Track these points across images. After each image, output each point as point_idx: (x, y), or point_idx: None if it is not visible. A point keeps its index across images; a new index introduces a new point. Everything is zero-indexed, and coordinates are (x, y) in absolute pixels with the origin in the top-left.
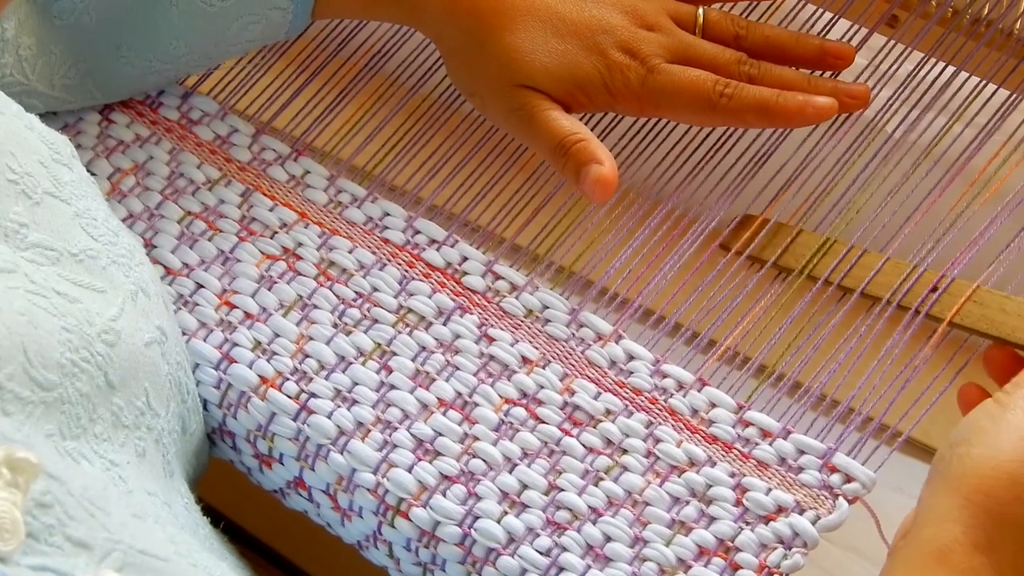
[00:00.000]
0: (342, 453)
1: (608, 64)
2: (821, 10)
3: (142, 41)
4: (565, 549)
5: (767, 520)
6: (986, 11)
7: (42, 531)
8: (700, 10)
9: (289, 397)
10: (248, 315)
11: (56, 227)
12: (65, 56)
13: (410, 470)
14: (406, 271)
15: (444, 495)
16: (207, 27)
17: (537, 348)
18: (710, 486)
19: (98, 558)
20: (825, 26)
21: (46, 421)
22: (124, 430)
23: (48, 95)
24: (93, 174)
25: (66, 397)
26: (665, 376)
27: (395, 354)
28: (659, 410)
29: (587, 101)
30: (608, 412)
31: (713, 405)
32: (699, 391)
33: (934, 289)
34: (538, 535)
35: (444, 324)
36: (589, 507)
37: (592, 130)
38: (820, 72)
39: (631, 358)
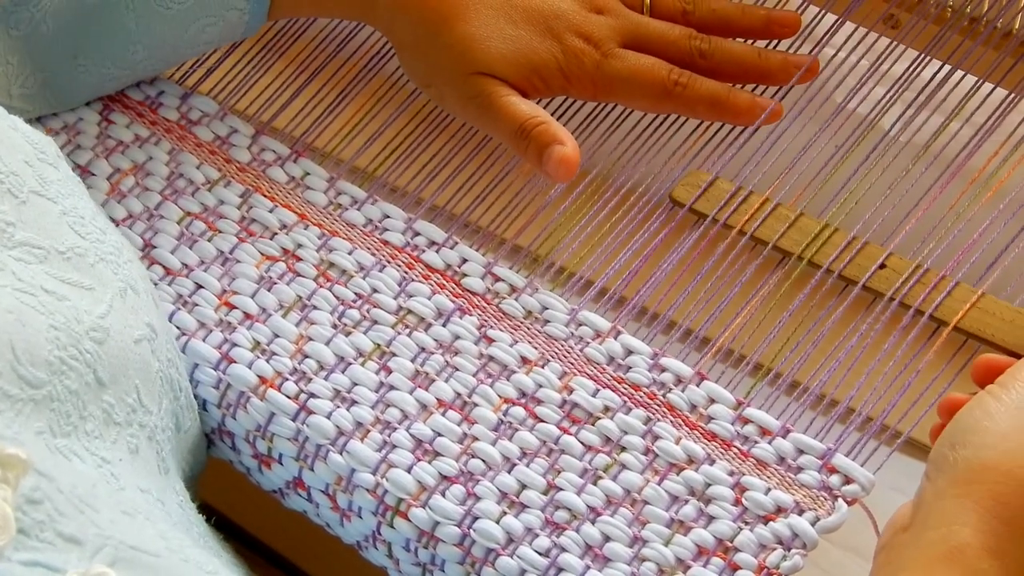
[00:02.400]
0: (341, 453)
1: (563, 48)
2: (823, 11)
3: (100, 49)
4: (564, 549)
5: (766, 520)
6: (985, 8)
7: (33, 527)
8: None
9: (288, 397)
10: (247, 315)
11: (43, 225)
12: (22, 66)
13: (409, 470)
14: (406, 272)
15: (443, 495)
16: (165, 31)
17: (536, 348)
18: (709, 485)
19: (89, 553)
20: (828, 29)
21: (35, 419)
22: (116, 427)
23: (6, 105)
24: (92, 174)
25: (55, 395)
26: (663, 370)
27: (394, 355)
28: (657, 405)
29: (543, 86)
30: (607, 409)
31: (712, 401)
32: (698, 385)
33: (935, 289)
34: (537, 535)
35: (443, 325)
36: (588, 506)
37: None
38: (769, 43)
39: (629, 353)
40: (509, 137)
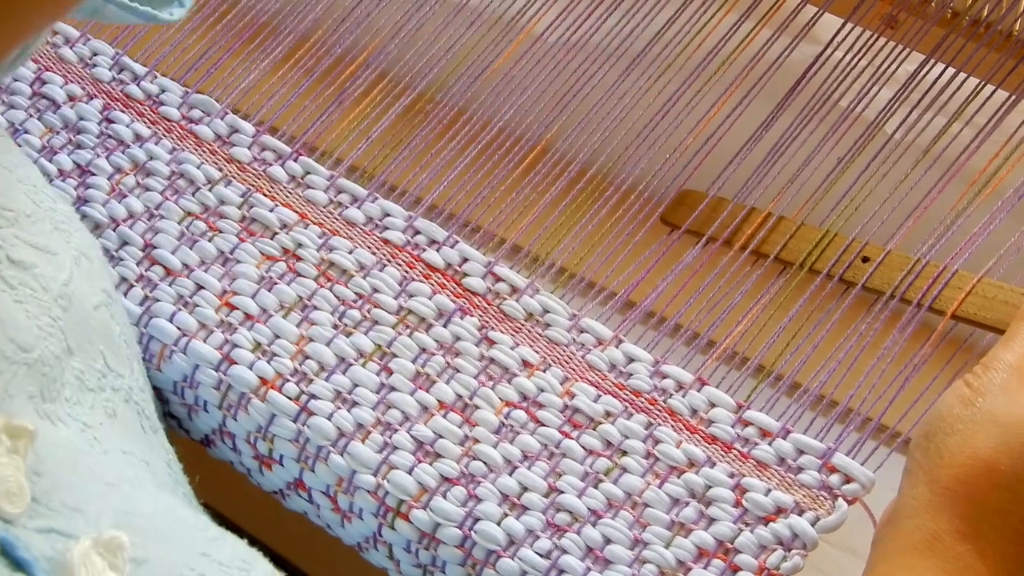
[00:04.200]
0: (342, 455)
1: None
2: (822, 11)
3: None
4: (565, 551)
5: (766, 521)
6: (985, 13)
7: (42, 495)
8: None
9: (289, 398)
10: (248, 316)
11: (3, 190)
12: None
13: (410, 472)
14: (406, 272)
15: (444, 497)
16: None
17: (538, 352)
18: (709, 487)
19: (93, 519)
20: (826, 28)
21: (28, 383)
22: (90, 393)
23: None
24: (93, 174)
25: (44, 359)
26: (665, 377)
27: (395, 356)
28: (659, 411)
29: None
30: (608, 414)
31: (712, 405)
32: (698, 391)
33: (935, 283)
34: (538, 537)
35: (444, 326)
36: (589, 509)
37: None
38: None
39: (631, 360)
40: None
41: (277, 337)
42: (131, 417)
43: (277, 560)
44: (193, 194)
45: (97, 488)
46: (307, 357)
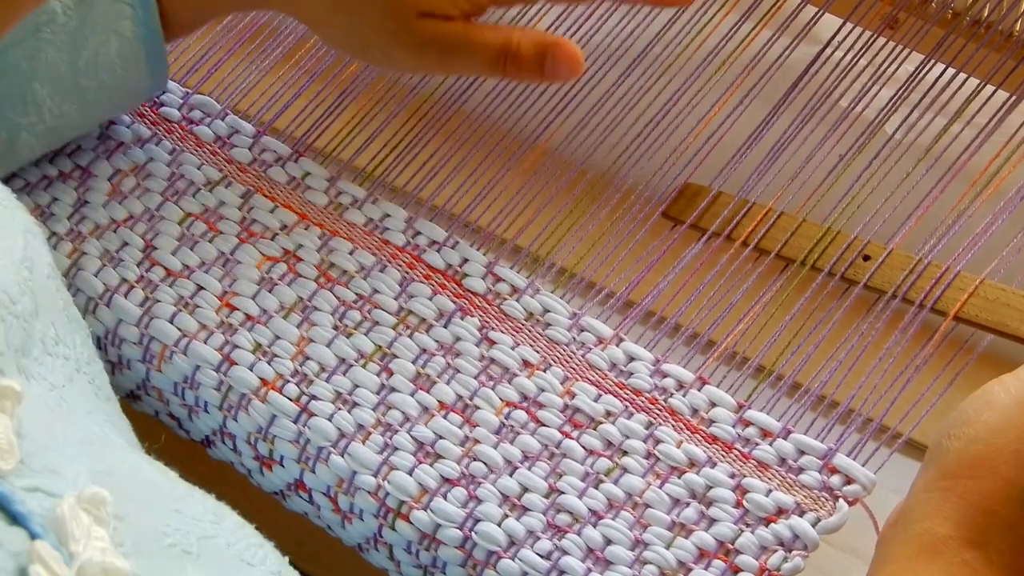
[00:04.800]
0: (343, 456)
1: None
2: (822, 11)
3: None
4: (565, 552)
5: (767, 522)
6: (986, 13)
7: (25, 457)
8: None
9: (290, 399)
10: (249, 317)
11: None
12: None
13: (411, 473)
14: (407, 273)
15: (445, 498)
16: (58, 58)
17: (538, 352)
18: (710, 487)
19: (71, 480)
20: (827, 28)
21: (15, 335)
22: (50, 357)
23: None
24: (94, 175)
25: (24, 313)
26: (665, 376)
27: (396, 356)
28: (659, 410)
29: (469, 5)
30: (608, 414)
31: (713, 404)
32: (699, 390)
33: (937, 283)
34: (539, 538)
35: (445, 326)
36: (589, 510)
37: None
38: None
39: (631, 359)
40: (490, 65)
41: (277, 338)
42: (85, 386)
43: None
44: (193, 195)
45: (72, 450)
46: (307, 358)
